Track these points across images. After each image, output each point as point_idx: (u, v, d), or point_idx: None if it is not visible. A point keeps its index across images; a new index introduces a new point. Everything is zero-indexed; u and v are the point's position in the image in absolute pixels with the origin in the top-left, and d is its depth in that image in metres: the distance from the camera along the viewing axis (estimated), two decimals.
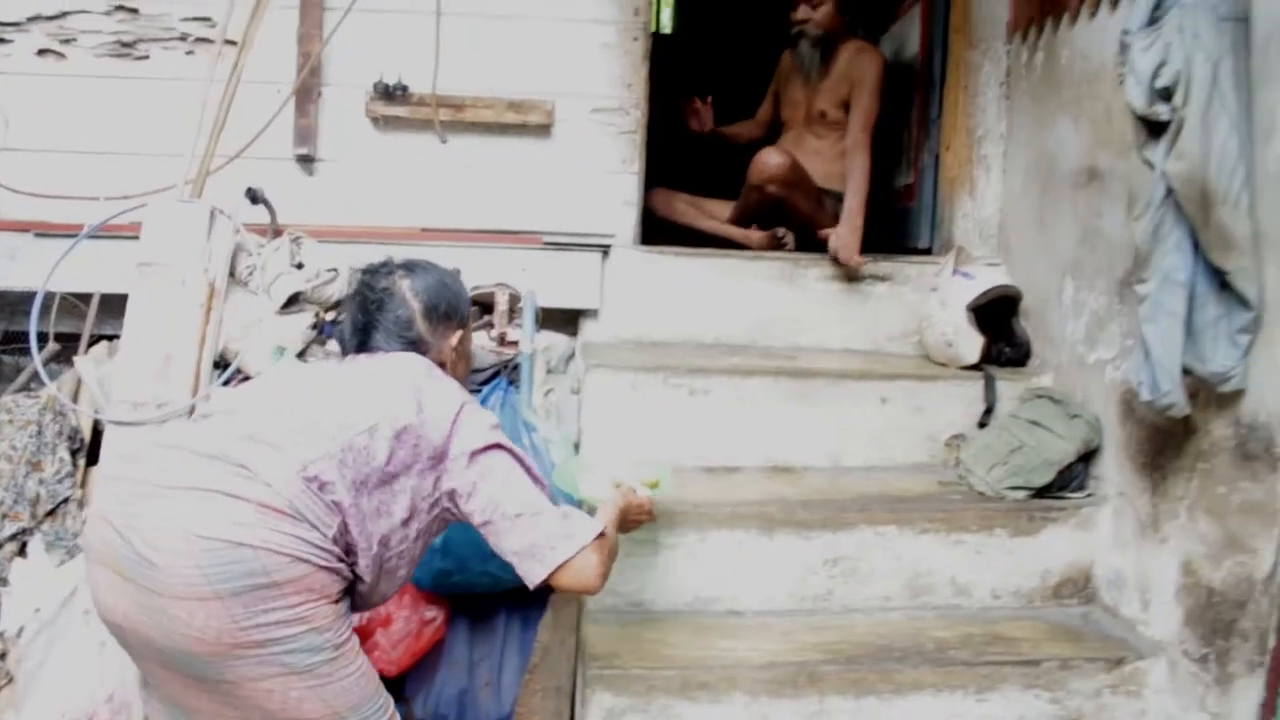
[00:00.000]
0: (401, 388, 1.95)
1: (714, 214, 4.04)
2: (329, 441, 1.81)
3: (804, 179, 3.78)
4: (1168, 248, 2.27)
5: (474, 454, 1.94)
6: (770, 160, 3.73)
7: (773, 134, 4.22)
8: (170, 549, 1.66)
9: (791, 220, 3.83)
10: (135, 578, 1.68)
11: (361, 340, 2.10)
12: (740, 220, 3.96)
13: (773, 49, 4.26)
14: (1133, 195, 2.35)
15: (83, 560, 1.86)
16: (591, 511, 2.15)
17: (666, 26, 8.78)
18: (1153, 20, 2.23)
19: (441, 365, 2.15)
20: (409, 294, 2.14)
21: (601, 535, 1.98)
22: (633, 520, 2.34)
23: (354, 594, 1.88)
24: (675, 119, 4.18)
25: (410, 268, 2.19)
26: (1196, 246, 2.24)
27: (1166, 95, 2.20)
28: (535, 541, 1.93)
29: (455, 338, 2.21)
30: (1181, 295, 2.26)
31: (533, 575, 1.95)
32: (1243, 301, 2.21)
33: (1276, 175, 2.16)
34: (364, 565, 1.84)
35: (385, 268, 2.18)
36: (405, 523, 1.91)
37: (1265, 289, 2.20)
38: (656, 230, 3.81)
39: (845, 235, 3.46)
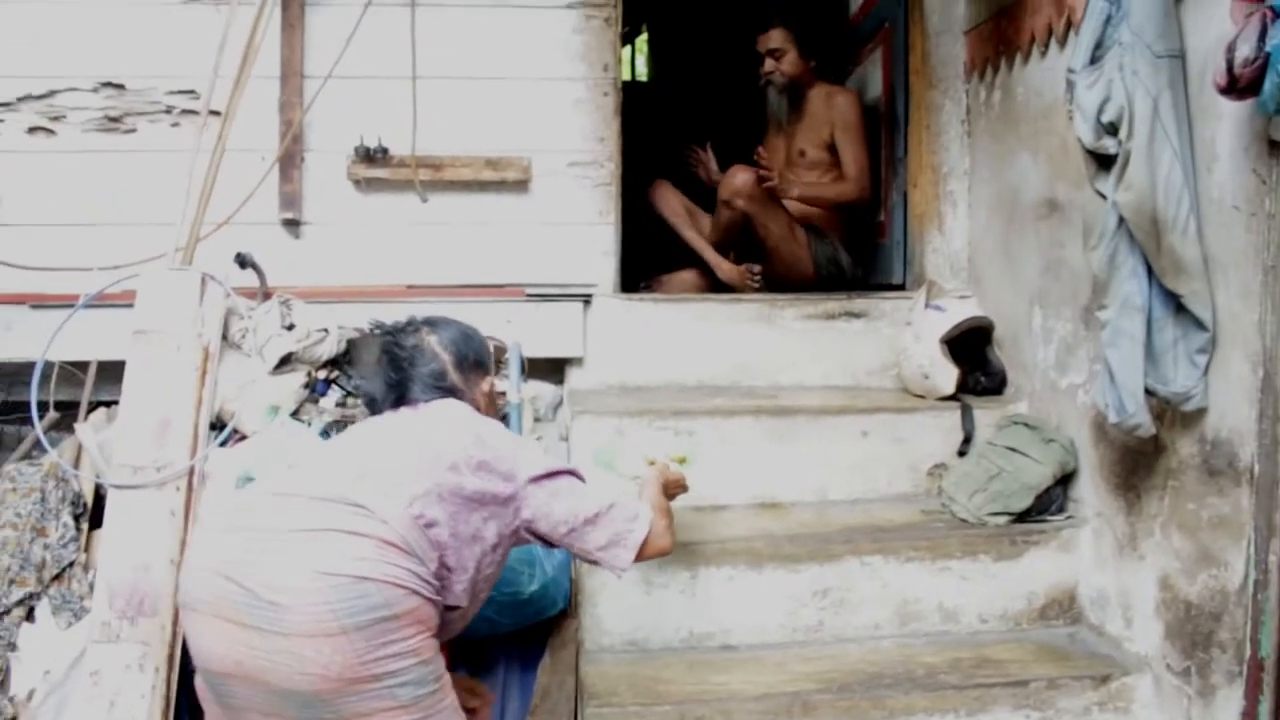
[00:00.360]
0: (463, 427, 2.08)
1: (703, 228, 4.20)
2: (425, 480, 1.92)
3: (772, 201, 3.92)
4: (1124, 275, 2.37)
5: (539, 479, 2.09)
6: (738, 177, 3.90)
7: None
8: (297, 588, 1.73)
9: (763, 247, 3.95)
10: (257, 623, 1.74)
11: (399, 395, 2.18)
12: (718, 243, 4.12)
13: (747, 90, 4.44)
14: (1088, 226, 2.45)
15: (183, 613, 1.89)
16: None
17: (642, 75, 8.94)
18: (1094, 59, 2.35)
19: (475, 409, 2.25)
20: (438, 348, 2.23)
21: (619, 506, 2.17)
22: (671, 491, 2.54)
23: (441, 624, 1.96)
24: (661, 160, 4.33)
25: (433, 323, 2.29)
26: (1151, 273, 2.34)
27: (1113, 130, 2.31)
28: (616, 532, 2.12)
29: (486, 384, 2.33)
30: (1140, 320, 2.36)
31: (621, 561, 2.14)
32: (1198, 323, 2.31)
33: (1219, 202, 2.26)
34: (460, 590, 1.96)
35: (410, 326, 2.27)
36: (494, 548, 2.04)
37: (1218, 310, 2.29)
38: (647, 219, 3.96)
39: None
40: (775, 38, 4.15)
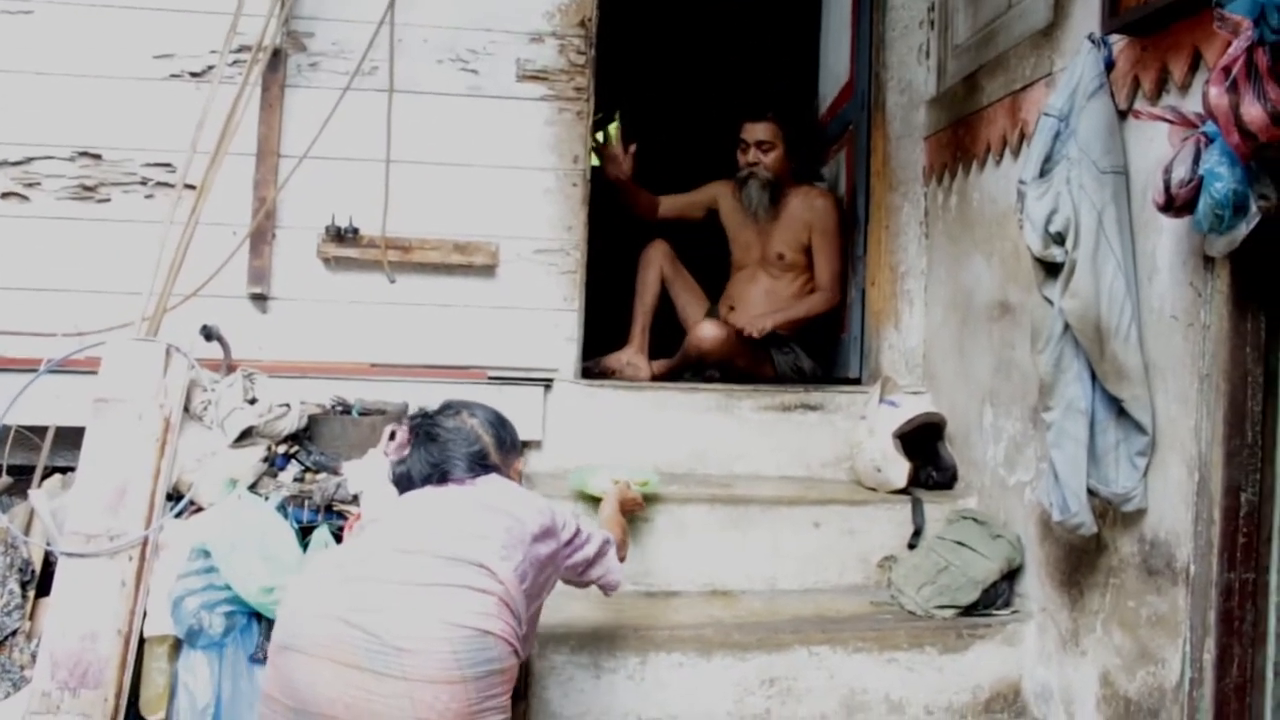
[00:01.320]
0: (530, 500, 2.29)
1: (686, 304, 4.33)
2: (521, 547, 2.11)
3: (742, 347, 3.97)
4: (1069, 378, 2.46)
5: (572, 539, 2.35)
6: (706, 334, 3.98)
7: (672, 225, 4.52)
8: (426, 636, 1.88)
9: (728, 372, 4.02)
10: (376, 667, 1.86)
11: (442, 473, 2.27)
12: (673, 372, 4.15)
13: (719, 177, 4.51)
14: (1035, 329, 2.53)
15: (277, 657, 1.98)
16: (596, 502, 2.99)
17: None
18: (1043, 172, 2.46)
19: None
20: (480, 430, 2.35)
21: (608, 540, 2.50)
22: (627, 509, 2.97)
23: None
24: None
25: (470, 408, 2.41)
26: (1094, 377, 2.43)
27: (1060, 239, 2.41)
28: (607, 565, 2.47)
29: (519, 464, 2.54)
30: (1083, 422, 2.44)
31: (616, 582, 2.52)
32: (1139, 427, 2.39)
33: (1159, 311, 2.36)
34: (526, 648, 2.15)
35: (450, 409, 2.38)
36: (541, 599, 2.28)
37: (1157, 414, 2.38)
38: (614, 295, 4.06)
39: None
40: (765, 130, 4.20)
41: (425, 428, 2.32)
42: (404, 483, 2.31)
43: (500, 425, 2.41)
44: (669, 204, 4.48)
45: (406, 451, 2.31)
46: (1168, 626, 2.34)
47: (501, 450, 2.37)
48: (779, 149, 4.19)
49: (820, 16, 4.72)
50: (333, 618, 1.93)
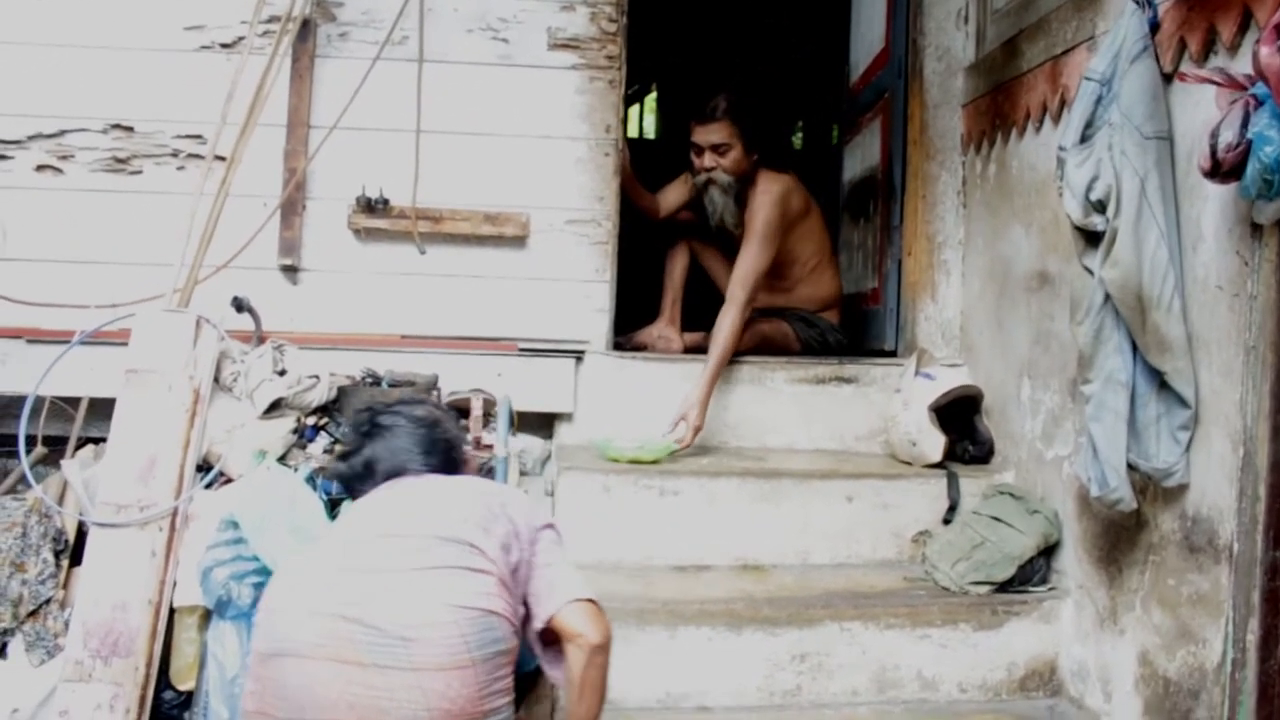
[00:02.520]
0: (489, 488, 2.18)
1: (719, 275, 4.00)
2: (499, 528, 1.99)
3: (767, 322, 3.86)
4: (1109, 350, 2.39)
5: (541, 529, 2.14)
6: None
7: (670, 222, 4.12)
8: (432, 622, 1.82)
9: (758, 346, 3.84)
10: (381, 661, 1.79)
11: (399, 470, 2.17)
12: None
13: None
14: (1075, 300, 2.47)
15: (264, 665, 1.88)
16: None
17: (650, 133, 9.07)
18: (1084, 138, 2.39)
19: None
20: (445, 420, 2.30)
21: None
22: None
23: None
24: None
25: (424, 403, 2.37)
26: (1135, 349, 2.37)
27: (1100, 207, 2.34)
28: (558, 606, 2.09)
29: (475, 463, 2.48)
30: (1124, 395, 2.38)
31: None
32: (1181, 400, 2.33)
33: (1204, 281, 2.29)
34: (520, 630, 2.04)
35: (393, 408, 2.28)
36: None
37: (1201, 388, 2.31)
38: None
39: (690, 400, 3.38)
40: (718, 131, 3.72)
41: (382, 419, 2.23)
42: (356, 479, 2.18)
43: (449, 422, 2.33)
44: (665, 199, 4.07)
45: (355, 444, 2.19)
46: (1209, 606, 2.29)
47: (460, 447, 2.29)
48: (737, 148, 3.71)
49: None
50: (326, 614, 1.83)
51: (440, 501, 2.07)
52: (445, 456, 2.22)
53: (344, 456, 2.22)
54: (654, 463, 3.18)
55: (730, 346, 3.48)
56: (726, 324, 3.49)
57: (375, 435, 2.20)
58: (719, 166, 3.74)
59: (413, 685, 1.79)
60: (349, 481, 2.21)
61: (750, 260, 3.62)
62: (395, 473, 2.16)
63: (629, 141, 3.96)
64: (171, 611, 2.58)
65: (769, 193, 3.71)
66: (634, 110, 8.92)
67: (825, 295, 4.06)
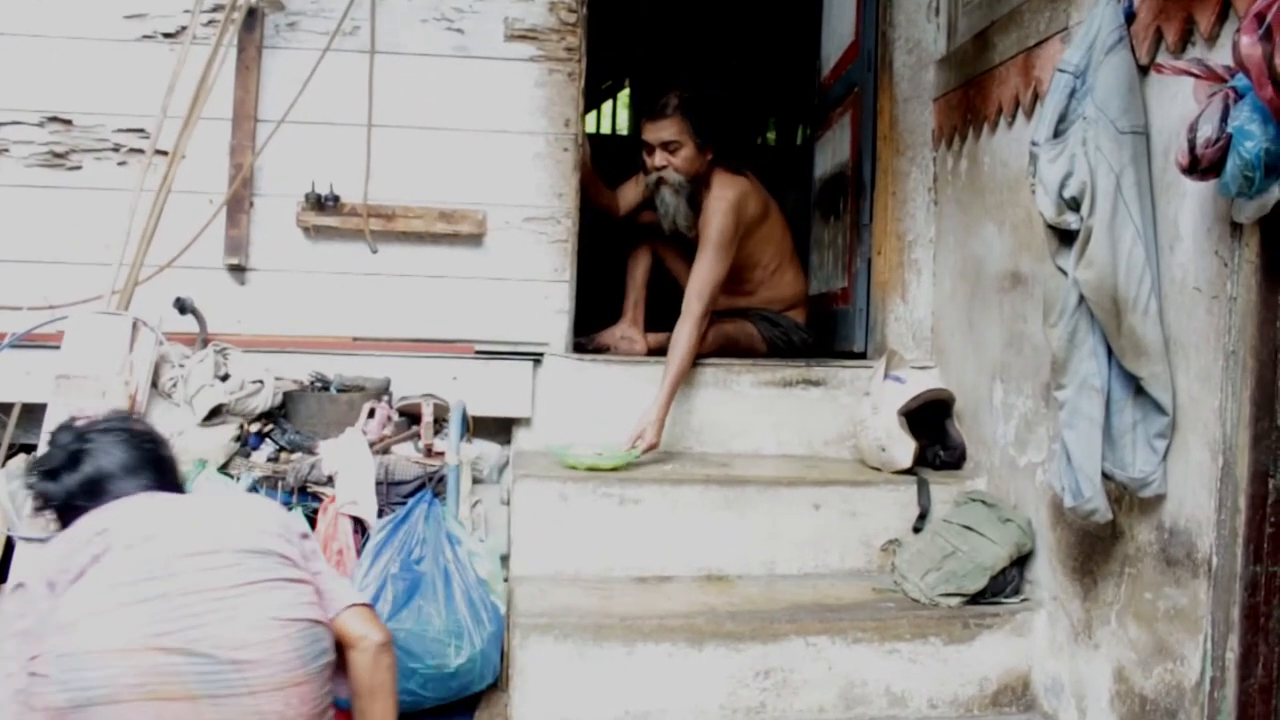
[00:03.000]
0: (252, 497, 2.20)
1: (681, 275, 3.78)
2: (289, 531, 1.93)
3: (734, 322, 3.77)
4: (1083, 354, 2.30)
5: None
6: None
7: (632, 221, 4.00)
8: (263, 640, 1.71)
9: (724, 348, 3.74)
10: (213, 691, 1.66)
11: (147, 484, 1.98)
12: None
13: None
14: (1048, 302, 2.37)
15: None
16: None
17: (624, 130, 9.01)
18: (1058, 133, 2.29)
19: None
20: (163, 438, 2.12)
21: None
22: None
23: None
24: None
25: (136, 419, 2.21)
26: (1111, 353, 2.27)
27: (1074, 205, 2.24)
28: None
29: None
30: (1099, 401, 2.28)
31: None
32: (1158, 407, 2.23)
33: (1182, 282, 2.20)
34: None
35: (120, 420, 2.09)
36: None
37: (1178, 394, 2.22)
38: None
39: (646, 418, 3.23)
40: (669, 128, 3.56)
41: (95, 434, 1.99)
42: (89, 490, 1.93)
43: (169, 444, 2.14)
44: (624, 196, 3.95)
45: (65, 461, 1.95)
46: (1187, 621, 2.19)
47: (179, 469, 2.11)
48: (688, 146, 3.55)
49: None
50: (141, 650, 1.64)
51: (222, 513, 1.93)
52: (175, 474, 2.06)
53: (51, 474, 1.94)
54: (614, 470, 3.07)
55: (688, 361, 3.36)
56: (683, 338, 3.35)
57: (94, 451, 1.96)
58: (669, 165, 3.58)
59: (250, 711, 1.67)
60: (66, 501, 1.93)
61: (705, 271, 3.48)
62: (129, 490, 1.93)
63: (594, 137, 3.87)
64: None
65: (723, 199, 3.57)
66: (607, 106, 8.86)
67: (789, 295, 3.94)
